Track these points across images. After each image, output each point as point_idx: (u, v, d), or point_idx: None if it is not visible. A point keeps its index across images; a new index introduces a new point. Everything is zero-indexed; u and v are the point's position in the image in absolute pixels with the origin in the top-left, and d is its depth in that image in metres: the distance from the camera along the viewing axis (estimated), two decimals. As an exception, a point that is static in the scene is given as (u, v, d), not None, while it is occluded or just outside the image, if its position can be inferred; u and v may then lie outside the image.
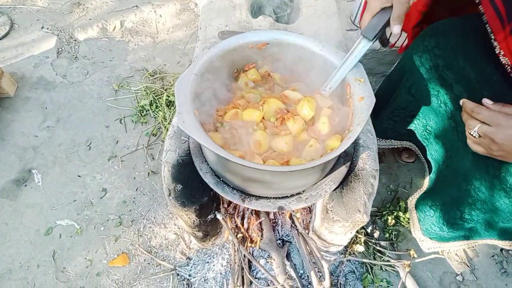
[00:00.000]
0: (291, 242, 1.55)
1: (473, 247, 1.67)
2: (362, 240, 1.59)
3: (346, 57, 1.01)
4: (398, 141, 1.62)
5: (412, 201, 1.55)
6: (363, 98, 0.96)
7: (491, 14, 1.01)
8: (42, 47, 2.39)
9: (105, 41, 2.47)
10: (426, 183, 1.47)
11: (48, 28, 2.49)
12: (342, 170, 1.10)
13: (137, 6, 2.62)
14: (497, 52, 1.04)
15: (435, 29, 1.23)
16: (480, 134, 0.91)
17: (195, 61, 1.07)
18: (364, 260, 1.56)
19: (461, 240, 1.40)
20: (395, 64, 1.54)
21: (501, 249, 1.68)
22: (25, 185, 1.82)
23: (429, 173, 1.45)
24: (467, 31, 1.14)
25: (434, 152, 1.37)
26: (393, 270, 1.59)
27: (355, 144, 1.18)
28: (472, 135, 0.93)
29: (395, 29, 0.94)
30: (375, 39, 0.97)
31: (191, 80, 0.97)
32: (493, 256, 1.67)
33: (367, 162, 1.13)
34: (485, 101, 0.93)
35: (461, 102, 0.98)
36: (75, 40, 2.46)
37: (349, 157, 1.13)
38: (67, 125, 2.05)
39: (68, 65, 2.32)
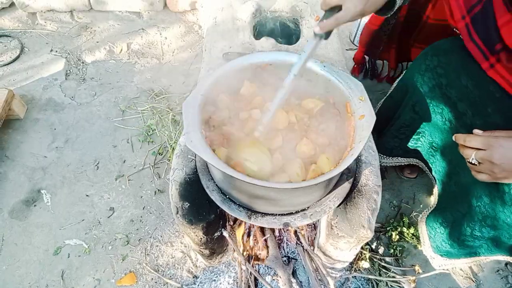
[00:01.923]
0: (296, 259, 1.56)
1: (483, 263, 1.66)
2: (367, 256, 1.60)
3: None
4: (404, 159, 1.63)
5: (422, 218, 1.54)
6: (364, 116, 0.99)
7: (472, 48, 1.08)
8: (51, 69, 2.46)
9: (112, 63, 2.54)
10: (435, 199, 1.48)
11: (57, 51, 2.57)
12: (346, 186, 1.12)
13: (143, 29, 2.70)
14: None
15: (437, 49, 1.25)
16: (479, 160, 0.95)
17: (201, 81, 1.10)
18: (370, 277, 1.55)
19: (472, 256, 1.39)
20: (396, 82, 1.56)
21: (506, 264, 1.67)
22: (34, 205, 1.85)
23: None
24: (468, 50, 1.15)
25: (441, 169, 1.37)
26: (399, 286, 1.58)
27: (358, 161, 1.20)
28: (472, 163, 0.97)
29: (316, 29, 0.88)
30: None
31: (198, 101, 1.01)
32: (498, 271, 1.66)
33: (370, 178, 1.15)
34: (476, 131, 1.00)
35: (454, 137, 1.03)
36: (83, 63, 2.53)
37: (352, 173, 1.16)
38: (76, 145, 2.09)
39: (76, 86, 2.38)
